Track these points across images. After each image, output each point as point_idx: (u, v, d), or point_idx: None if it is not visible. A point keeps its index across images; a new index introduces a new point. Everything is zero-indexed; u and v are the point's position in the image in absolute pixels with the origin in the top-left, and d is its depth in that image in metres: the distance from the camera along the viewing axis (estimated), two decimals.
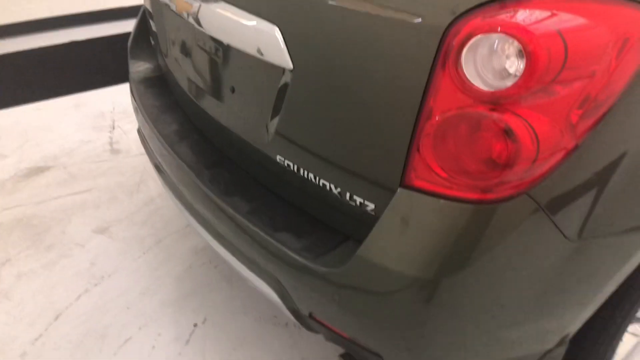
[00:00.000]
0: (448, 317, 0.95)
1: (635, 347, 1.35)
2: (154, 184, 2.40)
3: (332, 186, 1.04)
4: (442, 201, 0.87)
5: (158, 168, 1.55)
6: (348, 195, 1.02)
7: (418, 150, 0.87)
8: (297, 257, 1.06)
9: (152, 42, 1.77)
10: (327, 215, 1.12)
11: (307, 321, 1.17)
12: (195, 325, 1.74)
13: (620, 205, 0.92)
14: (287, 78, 1.04)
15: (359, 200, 1.00)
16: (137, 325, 1.73)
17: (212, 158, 1.37)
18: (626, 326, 1.18)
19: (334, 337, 1.14)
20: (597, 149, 0.84)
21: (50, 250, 2.03)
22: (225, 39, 1.16)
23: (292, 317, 1.21)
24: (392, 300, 0.95)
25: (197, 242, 2.08)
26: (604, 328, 1.16)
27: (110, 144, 2.72)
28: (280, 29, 1.01)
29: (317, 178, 1.06)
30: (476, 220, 0.86)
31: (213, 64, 1.27)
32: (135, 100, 1.65)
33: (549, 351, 1.11)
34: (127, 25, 4.14)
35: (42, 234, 2.12)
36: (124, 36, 3.93)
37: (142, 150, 2.63)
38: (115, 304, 1.81)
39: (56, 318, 1.75)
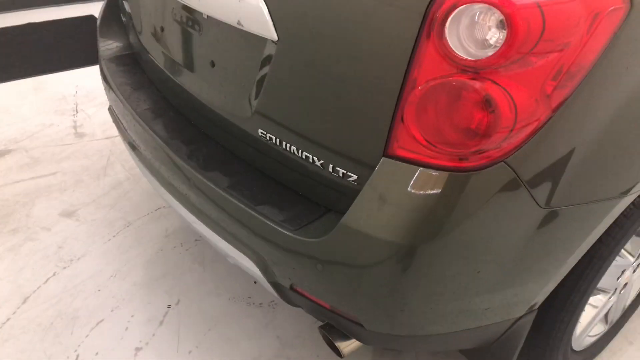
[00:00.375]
0: (427, 284, 0.98)
1: (595, 317, 1.43)
2: (122, 168, 2.36)
3: (315, 158, 1.06)
4: (423, 169, 0.90)
5: (132, 146, 1.53)
6: (331, 167, 1.04)
7: (402, 119, 0.90)
8: (279, 229, 1.08)
9: (124, 20, 1.74)
10: (309, 188, 1.14)
11: (288, 294, 1.19)
12: (168, 306, 1.73)
13: (588, 176, 0.97)
14: (271, 50, 1.05)
15: (342, 171, 1.03)
16: (109, 308, 1.71)
17: (189, 134, 1.36)
18: (589, 295, 1.24)
19: (314, 308, 1.16)
20: (568, 120, 0.89)
21: (14, 234, 1.97)
22: (205, 11, 1.16)
23: (272, 291, 1.22)
24: (374, 267, 0.98)
25: (167, 225, 2.06)
26: (568, 297, 1.22)
27: (74, 127, 2.65)
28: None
29: (300, 151, 1.08)
30: (456, 188, 0.90)
31: (192, 39, 1.27)
32: (106, 79, 1.62)
33: (519, 318, 1.17)
34: (86, 8, 4.02)
35: (5, 217, 2.05)
36: (83, 19, 3.83)
37: (108, 134, 2.59)
38: (86, 286, 1.78)
39: (24, 301, 1.71)
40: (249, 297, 1.77)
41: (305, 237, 1.05)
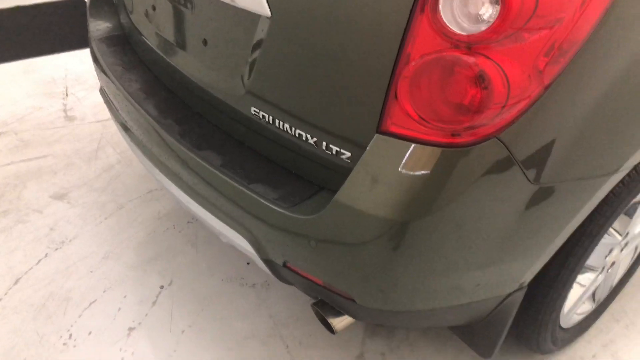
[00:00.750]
0: (419, 259, 1.00)
1: (582, 295, 1.46)
2: (113, 151, 2.35)
3: (308, 136, 1.06)
4: (416, 146, 0.91)
5: (124, 127, 1.52)
6: (324, 144, 1.04)
7: (395, 96, 0.90)
8: (273, 207, 1.08)
9: (114, 0, 1.72)
10: (302, 167, 1.14)
11: (281, 271, 1.20)
12: (161, 287, 1.73)
13: (578, 152, 0.98)
14: (263, 26, 1.04)
15: (335, 149, 1.03)
16: (102, 289, 1.72)
17: (181, 114, 1.36)
18: (578, 273, 1.26)
19: (307, 285, 1.17)
20: (560, 96, 0.90)
21: (5, 215, 1.96)
22: None
23: (266, 269, 1.23)
24: (366, 243, 0.99)
25: (160, 207, 2.06)
26: (557, 274, 1.24)
27: (65, 110, 2.63)
28: None
29: (293, 128, 1.08)
30: (448, 164, 0.91)
31: (183, 17, 1.26)
32: (97, 59, 1.61)
33: (509, 295, 1.19)
34: None
35: None
36: (73, 2, 3.78)
37: (99, 117, 2.57)
38: (78, 268, 1.78)
39: (16, 282, 1.71)
40: (242, 278, 1.78)
41: (298, 215, 1.05)
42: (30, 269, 1.76)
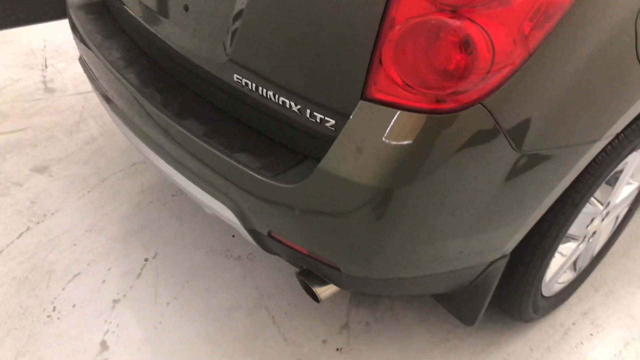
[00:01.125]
0: (404, 227, 1.00)
1: (564, 264, 1.48)
2: (95, 124, 2.31)
3: (292, 104, 1.05)
4: (401, 112, 0.90)
5: (105, 97, 1.49)
6: (308, 112, 1.03)
7: (380, 61, 0.89)
8: (257, 176, 1.07)
9: None
10: (286, 136, 1.13)
11: (265, 241, 1.20)
12: (146, 259, 1.73)
13: (561, 120, 0.98)
14: None
15: (319, 116, 1.02)
16: (85, 262, 1.70)
17: (163, 83, 1.33)
18: (560, 241, 1.28)
19: (292, 254, 1.17)
20: (544, 62, 0.89)
21: None
22: None
23: (250, 239, 1.23)
24: (351, 211, 0.98)
25: (143, 180, 2.04)
26: (540, 242, 1.26)
27: (44, 82, 2.57)
28: None
29: (277, 96, 1.07)
30: (433, 130, 0.90)
31: None
32: (75, 28, 1.57)
33: (492, 263, 1.20)
34: None
35: None
36: None
37: (80, 89, 2.52)
38: (61, 241, 1.76)
39: None
40: (227, 250, 1.78)
41: (282, 184, 1.05)
42: (12, 242, 1.74)
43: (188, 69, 1.28)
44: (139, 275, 1.67)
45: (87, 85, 2.52)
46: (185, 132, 1.18)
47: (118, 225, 1.84)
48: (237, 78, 1.12)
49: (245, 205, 1.15)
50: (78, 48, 1.62)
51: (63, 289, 1.61)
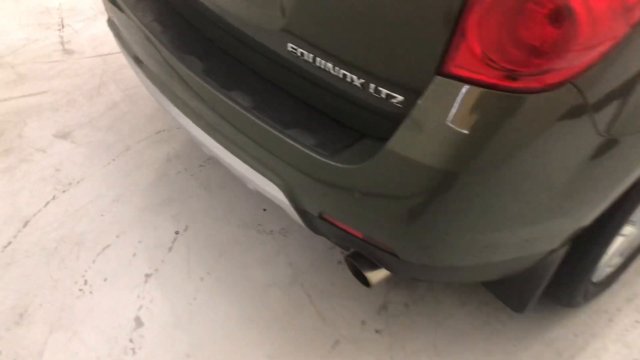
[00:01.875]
0: (474, 214, 0.93)
1: (620, 245, 1.41)
2: (116, 88, 2.22)
3: (354, 77, 0.96)
4: (483, 90, 0.82)
5: (137, 60, 1.40)
6: (372, 87, 0.95)
7: (463, 34, 0.80)
8: (311, 154, 1.00)
9: None
10: (342, 112, 1.05)
11: (315, 222, 1.13)
12: (176, 232, 1.67)
13: None
14: None
15: (385, 92, 0.94)
16: (115, 233, 1.65)
17: (203, 49, 1.24)
18: (622, 227, 1.21)
19: (345, 237, 1.11)
20: None
21: (8, 154, 1.86)
22: None
23: (298, 218, 1.16)
24: (419, 196, 0.91)
25: (169, 149, 1.96)
26: (602, 227, 1.19)
27: (62, 43, 2.47)
28: None
29: (337, 69, 0.98)
30: (516, 110, 0.82)
31: None
32: None
33: (553, 251, 1.13)
34: None
35: None
36: None
37: (99, 51, 2.42)
38: (88, 211, 1.71)
39: (25, 225, 1.63)
40: (259, 225, 1.72)
41: (341, 164, 0.97)
42: (39, 211, 1.68)
43: (232, 34, 1.19)
44: (170, 248, 1.62)
45: (106, 47, 2.42)
46: (231, 103, 1.10)
47: (146, 195, 1.78)
48: (292, 48, 1.03)
49: (297, 185, 1.08)
50: (107, 9, 1.52)
51: (93, 261, 1.56)
